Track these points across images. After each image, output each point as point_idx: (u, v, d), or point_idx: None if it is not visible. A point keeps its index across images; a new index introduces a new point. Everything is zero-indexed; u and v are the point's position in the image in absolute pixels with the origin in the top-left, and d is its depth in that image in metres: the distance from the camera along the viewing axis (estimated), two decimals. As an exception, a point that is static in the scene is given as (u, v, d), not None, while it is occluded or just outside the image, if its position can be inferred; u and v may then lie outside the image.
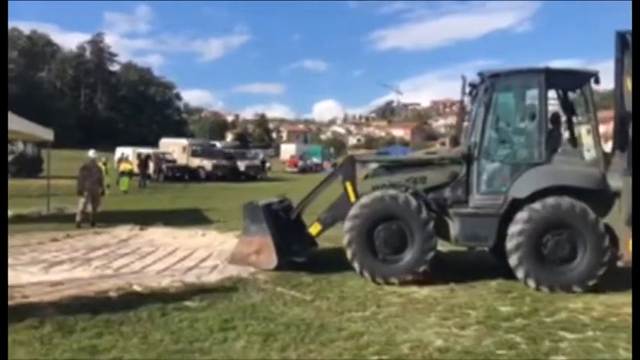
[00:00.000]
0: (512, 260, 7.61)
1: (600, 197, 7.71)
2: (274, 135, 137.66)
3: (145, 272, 8.21)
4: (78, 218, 13.28)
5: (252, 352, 5.02)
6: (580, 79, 8.34)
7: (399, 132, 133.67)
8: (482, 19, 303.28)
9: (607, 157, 8.03)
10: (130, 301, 6.47)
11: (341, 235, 8.26)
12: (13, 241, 10.76)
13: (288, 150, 72.86)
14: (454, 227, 8.22)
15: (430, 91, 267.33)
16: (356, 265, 8.03)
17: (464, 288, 7.54)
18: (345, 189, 8.78)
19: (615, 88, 7.84)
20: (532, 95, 8.23)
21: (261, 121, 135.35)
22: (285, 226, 8.99)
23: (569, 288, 7.41)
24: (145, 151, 36.53)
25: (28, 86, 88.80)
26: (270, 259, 8.42)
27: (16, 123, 12.97)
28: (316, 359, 4.91)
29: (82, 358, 4.72)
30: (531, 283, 7.52)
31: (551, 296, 7.17)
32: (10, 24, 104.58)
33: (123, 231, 12.43)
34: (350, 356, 4.96)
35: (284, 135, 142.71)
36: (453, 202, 8.30)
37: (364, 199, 8.23)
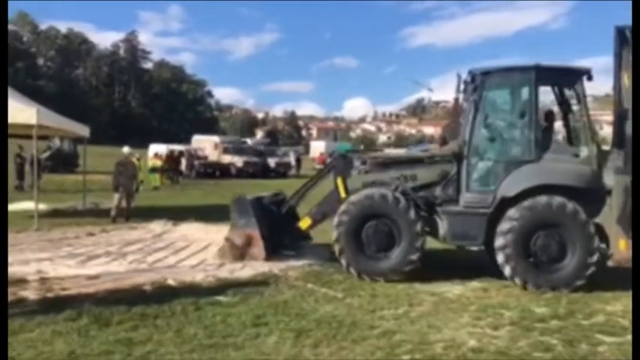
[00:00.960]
0: (500, 258, 7.58)
1: (592, 195, 7.65)
2: (304, 132, 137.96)
3: (178, 267, 8.33)
4: (113, 213, 13.53)
5: (285, 348, 5.04)
6: (572, 76, 8.22)
7: (429, 130, 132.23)
8: (515, 15, 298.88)
9: (604, 155, 7.92)
10: (165, 295, 6.57)
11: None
12: (51, 234, 11.11)
13: (317, 147, 72.77)
14: (443, 226, 8.19)
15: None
16: (343, 261, 8.08)
17: (497, 288, 7.44)
18: (336, 184, 8.88)
19: (614, 84, 7.75)
20: (522, 93, 8.19)
21: (291, 118, 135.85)
22: (275, 220, 9.19)
23: (556, 288, 7.35)
24: (177, 147, 37.02)
25: (65, 84, 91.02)
26: (259, 251, 8.65)
27: (53, 119, 13.32)
28: (348, 357, 4.90)
29: (118, 350, 4.80)
30: (518, 282, 7.49)
31: (587, 298, 7.02)
32: (47, 23, 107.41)
33: (157, 226, 12.62)
34: (382, 354, 4.94)
35: (313, 132, 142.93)
36: (444, 200, 8.28)
37: (354, 197, 8.27)
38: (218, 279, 7.56)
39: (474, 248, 8.73)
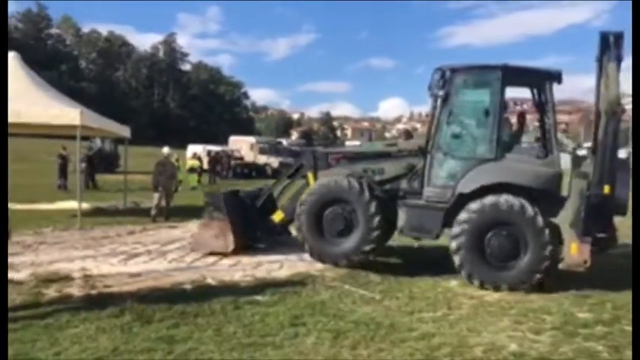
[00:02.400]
0: (456, 259, 7.63)
1: (551, 198, 7.66)
2: (339, 133, 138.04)
3: (217, 266, 8.43)
4: (153, 212, 13.79)
5: (323, 348, 5.05)
6: (540, 78, 8.22)
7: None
8: (556, 13, 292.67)
9: (578, 160, 7.99)
10: (204, 293, 6.67)
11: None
12: (93, 233, 11.39)
13: (352, 147, 72.68)
14: (401, 218, 8.32)
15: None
16: (306, 247, 8.55)
17: (538, 292, 7.29)
18: (307, 179, 9.28)
19: (596, 88, 7.71)
20: (488, 92, 8.17)
21: (326, 119, 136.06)
22: (250, 213, 9.61)
23: (513, 287, 7.35)
24: (214, 148, 37.52)
25: (106, 85, 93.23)
26: (227, 243, 8.98)
27: (95, 120, 13.65)
28: (387, 359, 4.88)
29: (160, 348, 4.89)
30: (472, 280, 7.54)
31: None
32: (89, 26, 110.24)
33: (195, 225, 12.75)
34: (421, 357, 4.91)
35: (348, 133, 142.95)
36: (409, 193, 8.50)
37: (312, 187, 8.71)
38: (256, 278, 7.63)
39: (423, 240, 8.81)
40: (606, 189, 7.34)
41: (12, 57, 13.65)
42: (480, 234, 7.56)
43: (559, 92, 8.15)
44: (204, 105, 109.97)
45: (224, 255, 8.96)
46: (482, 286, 7.44)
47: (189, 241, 9.79)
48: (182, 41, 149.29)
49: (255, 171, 37.89)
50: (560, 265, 7.56)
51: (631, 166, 7.95)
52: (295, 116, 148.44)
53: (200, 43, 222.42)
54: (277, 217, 9.51)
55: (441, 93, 8.16)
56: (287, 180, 10.26)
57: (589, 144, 8.94)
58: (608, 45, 7.44)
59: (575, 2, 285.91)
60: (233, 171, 36.28)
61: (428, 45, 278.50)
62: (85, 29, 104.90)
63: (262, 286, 7.10)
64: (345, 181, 8.39)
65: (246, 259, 8.87)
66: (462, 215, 7.65)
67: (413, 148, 8.75)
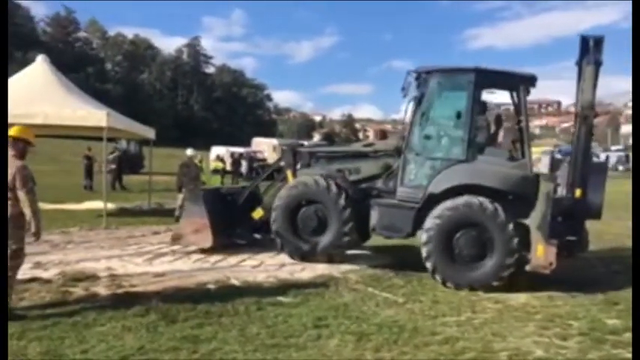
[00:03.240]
0: (423, 253, 7.80)
1: (521, 199, 7.72)
2: (361, 135, 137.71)
3: (240, 266, 8.48)
4: (177, 213, 13.89)
5: (346, 350, 5.04)
6: (513, 81, 8.33)
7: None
8: (583, 15, 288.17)
9: (557, 163, 8.28)
10: (228, 294, 6.71)
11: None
12: (118, 233, 11.54)
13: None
14: (374, 217, 8.53)
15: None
16: (279, 244, 8.92)
17: (564, 297, 7.18)
18: (286, 176, 9.61)
19: (576, 92, 7.75)
20: (461, 94, 8.23)
21: (349, 121, 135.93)
22: (231, 210, 9.88)
23: (473, 287, 7.45)
24: (237, 150, 37.75)
25: (131, 87, 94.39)
26: (206, 238, 9.23)
27: (121, 122, 13.83)
28: (411, 362, 4.86)
29: (185, 347, 4.94)
30: (438, 278, 7.69)
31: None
32: (115, 29, 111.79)
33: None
34: (445, 361, 4.88)
35: (370, 135, 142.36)
36: (384, 192, 8.74)
37: (287, 186, 9.04)
38: (279, 279, 7.65)
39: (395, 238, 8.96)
40: (577, 192, 7.54)
41: (41, 59, 13.93)
42: (449, 233, 7.70)
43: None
44: (228, 107, 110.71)
45: (205, 252, 9.22)
46: (444, 284, 7.62)
47: (171, 237, 10.05)
48: (206, 44, 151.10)
49: (277, 172, 38.00)
50: (527, 267, 7.64)
51: (607, 170, 8.40)
52: (317, 118, 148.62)
53: (224, 46, 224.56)
54: (257, 214, 9.79)
55: (415, 94, 8.39)
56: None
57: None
58: (587, 49, 7.54)
59: (601, 3, 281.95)
60: (256, 172, 36.44)
61: (452, 47, 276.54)
62: (111, 32, 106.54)
63: (285, 288, 7.13)
64: (318, 181, 8.71)
65: (269, 261, 8.91)
66: (432, 215, 7.82)
67: (389, 149, 8.99)
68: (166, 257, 8.99)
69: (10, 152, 5.71)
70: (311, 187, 8.76)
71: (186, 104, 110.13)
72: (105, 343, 4.95)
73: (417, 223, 8.13)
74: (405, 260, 8.95)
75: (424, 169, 8.30)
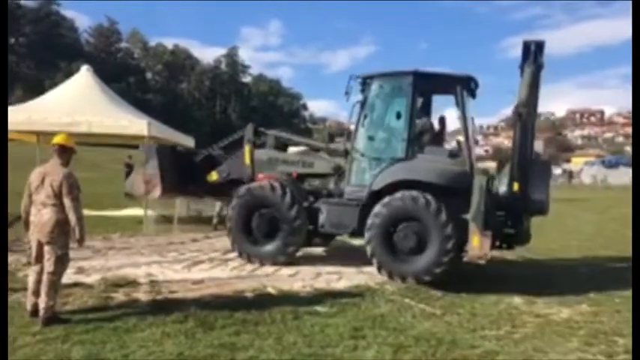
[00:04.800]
0: (368, 250, 8.20)
1: (459, 194, 7.92)
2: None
3: (276, 275, 8.52)
4: (215, 221, 14.09)
5: (384, 362, 5.00)
6: (451, 83, 8.59)
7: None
8: (627, 22, 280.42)
9: (502, 162, 8.83)
10: (264, 302, 6.75)
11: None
12: (158, 240, 11.74)
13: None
14: (322, 215, 8.98)
15: (566, 99, 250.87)
16: (236, 248, 9.30)
17: (609, 313, 6.97)
18: (244, 150, 10.00)
19: (519, 95, 8.01)
20: (400, 96, 8.68)
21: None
22: (185, 167, 10.39)
23: (419, 279, 7.89)
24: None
25: (171, 97, 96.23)
26: (156, 188, 9.78)
27: (161, 131, 14.10)
28: (449, 375, 4.79)
29: (222, 355, 4.97)
30: (384, 273, 8.13)
31: None
32: (156, 40, 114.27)
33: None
34: (485, 376, 4.79)
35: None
36: (334, 193, 9.18)
37: (240, 191, 9.34)
38: (315, 289, 7.65)
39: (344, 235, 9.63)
40: (515, 186, 7.93)
41: (85, 70, 14.36)
42: (389, 228, 8.09)
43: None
44: (264, 116, 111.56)
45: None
46: (390, 277, 8.06)
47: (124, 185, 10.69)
48: (244, 54, 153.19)
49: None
50: (465, 258, 8.21)
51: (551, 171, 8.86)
52: (353, 127, 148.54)
53: (261, 56, 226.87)
54: (211, 177, 10.27)
55: (358, 98, 8.88)
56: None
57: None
58: (529, 53, 7.94)
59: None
60: (292, 181, 36.62)
61: (490, 56, 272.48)
62: (152, 43, 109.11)
63: (321, 297, 7.12)
64: (270, 185, 9.11)
65: (305, 270, 8.92)
66: (373, 211, 8.19)
67: (339, 149, 9.39)
68: (204, 264, 9.11)
69: (57, 160, 5.88)
70: (264, 192, 9.10)
71: (224, 113, 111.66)
72: (145, 349, 5.03)
73: (362, 220, 8.42)
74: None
75: (368, 169, 8.75)
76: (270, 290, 7.45)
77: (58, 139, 5.96)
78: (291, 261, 9.15)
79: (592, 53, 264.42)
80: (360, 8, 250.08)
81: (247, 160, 9.87)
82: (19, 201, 5.92)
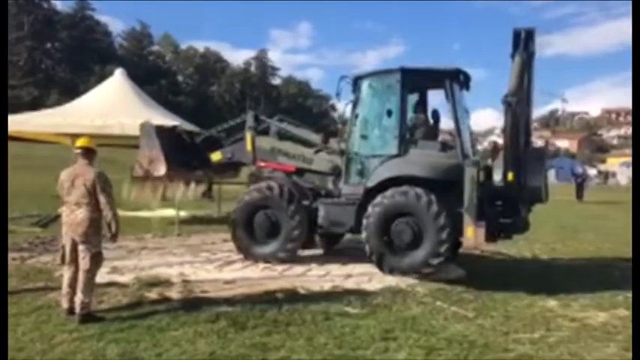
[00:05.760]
0: (366, 249, 8.36)
1: (453, 187, 7.95)
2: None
3: (307, 276, 8.52)
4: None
5: (415, 364, 4.96)
6: (440, 77, 8.67)
7: (563, 143, 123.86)
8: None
9: (496, 152, 8.96)
10: (295, 302, 6.76)
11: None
12: (190, 240, 11.88)
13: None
14: (320, 215, 9.11)
15: (601, 98, 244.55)
16: (240, 248, 9.45)
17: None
18: (245, 137, 10.14)
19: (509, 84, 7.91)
20: (390, 93, 8.75)
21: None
22: (187, 147, 10.66)
23: (418, 272, 8.04)
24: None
25: (201, 99, 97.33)
26: (160, 165, 9.87)
27: (194, 133, 14.27)
28: (482, 379, 4.72)
29: (254, 355, 5.01)
30: (386, 270, 8.28)
31: None
32: (187, 43, 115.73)
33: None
34: (519, 380, 4.70)
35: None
36: (332, 193, 9.30)
37: (243, 194, 9.59)
38: (345, 290, 7.62)
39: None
40: (509, 176, 7.90)
41: (119, 73, 14.65)
42: (385, 223, 8.18)
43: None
44: (293, 118, 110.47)
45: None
46: (391, 273, 8.22)
47: (131, 168, 10.86)
48: (273, 56, 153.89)
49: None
50: (461, 249, 8.47)
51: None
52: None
53: (291, 58, 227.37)
54: (215, 156, 10.43)
55: (350, 98, 9.05)
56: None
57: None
58: (519, 41, 7.96)
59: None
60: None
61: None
62: (183, 46, 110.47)
63: (352, 298, 7.09)
64: (267, 186, 9.30)
65: (335, 271, 8.91)
66: (369, 208, 8.31)
67: (335, 149, 9.46)
68: (236, 265, 9.17)
69: (83, 161, 6.09)
70: (266, 194, 9.28)
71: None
72: (178, 348, 5.09)
73: (360, 218, 8.51)
74: (473, 274, 8.73)
75: (363, 167, 8.88)
76: (301, 291, 7.47)
77: (81, 142, 6.20)
78: (293, 258, 9.33)
79: (627, 51, 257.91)
80: (389, 9, 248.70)
81: (249, 146, 10.09)
82: (53, 203, 6.07)
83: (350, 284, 8.00)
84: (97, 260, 5.99)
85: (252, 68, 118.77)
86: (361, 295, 7.34)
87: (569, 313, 6.87)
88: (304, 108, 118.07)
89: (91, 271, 5.92)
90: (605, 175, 74.17)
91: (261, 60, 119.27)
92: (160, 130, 10.44)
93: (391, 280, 8.23)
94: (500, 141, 8.95)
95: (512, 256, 10.88)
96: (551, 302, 7.33)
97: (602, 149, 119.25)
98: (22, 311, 6.01)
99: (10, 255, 9.01)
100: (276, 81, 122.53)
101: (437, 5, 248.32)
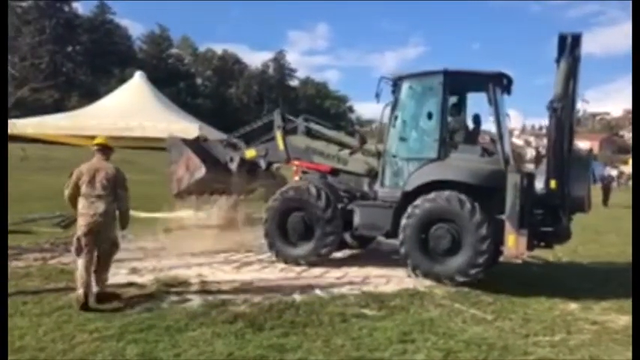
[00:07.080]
0: (402, 252, 8.23)
1: (494, 193, 7.85)
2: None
3: (324, 277, 8.52)
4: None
5: (433, 367, 4.93)
6: (483, 81, 8.52)
7: (585, 144, 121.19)
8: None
9: (539, 159, 8.88)
10: (312, 304, 6.77)
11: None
12: (208, 241, 11.90)
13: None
14: (356, 217, 8.98)
15: (622, 99, 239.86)
16: (271, 250, 9.44)
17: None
18: (275, 136, 10.21)
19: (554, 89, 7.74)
20: (432, 96, 8.66)
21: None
22: (213, 155, 10.87)
23: (453, 280, 7.84)
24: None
25: (219, 101, 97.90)
26: (197, 166, 10.13)
27: (212, 134, 14.40)
28: (501, 382, 4.68)
29: (271, 356, 5.02)
30: (419, 274, 8.12)
31: None
32: (205, 45, 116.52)
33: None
34: (539, 383, 4.65)
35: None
36: (368, 195, 9.22)
37: (276, 195, 9.50)
38: (363, 292, 7.60)
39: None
40: (552, 184, 7.68)
41: (138, 76, 14.87)
42: (423, 229, 8.06)
43: None
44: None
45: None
46: (425, 277, 8.06)
47: (170, 187, 11.13)
48: (291, 58, 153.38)
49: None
50: (501, 258, 8.22)
51: (590, 164, 8.75)
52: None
53: (308, 59, 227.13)
54: (249, 154, 10.58)
55: (390, 100, 8.87)
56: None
57: None
58: (565, 46, 7.77)
59: None
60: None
61: (543, 55, 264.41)
62: (202, 48, 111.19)
63: (369, 300, 7.08)
64: (305, 188, 9.22)
65: (352, 272, 8.89)
66: (407, 212, 8.18)
67: (371, 151, 9.40)
68: (253, 266, 9.21)
69: (101, 157, 6.67)
70: (301, 194, 9.23)
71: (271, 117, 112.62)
72: (196, 348, 5.13)
73: (396, 221, 8.41)
74: (492, 276, 8.64)
75: (401, 170, 8.74)
76: (318, 292, 7.46)
77: (99, 140, 6.84)
78: (322, 261, 9.26)
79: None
80: (407, 9, 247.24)
81: (281, 146, 10.11)
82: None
83: (367, 286, 7.99)
84: (116, 244, 6.75)
85: (270, 70, 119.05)
86: (379, 297, 7.32)
87: (590, 316, 6.79)
88: (322, 109, 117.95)
89: (111, 254, 6.70)
90: (627, 177, 73.03)
91: (278, 62, 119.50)
92: (186, 141, 10.64)
93: (409, 282, 8.21)
94: (541, 147, 8.86)
95: (532, 259, 10.76)
96: (572, 305, 7.25)
97: (624, 150, 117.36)
98: (43, 311, 6.09)
99: (32, 255, 9.16)
100: (294, 82, 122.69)
101: (456, 5, 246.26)
